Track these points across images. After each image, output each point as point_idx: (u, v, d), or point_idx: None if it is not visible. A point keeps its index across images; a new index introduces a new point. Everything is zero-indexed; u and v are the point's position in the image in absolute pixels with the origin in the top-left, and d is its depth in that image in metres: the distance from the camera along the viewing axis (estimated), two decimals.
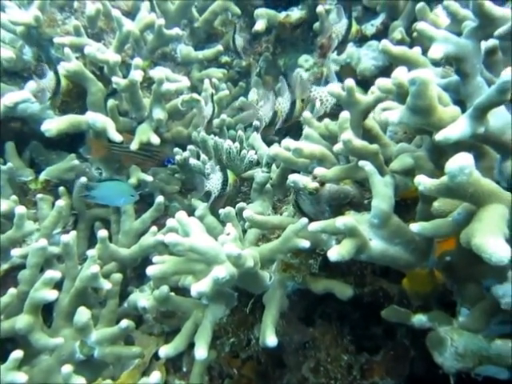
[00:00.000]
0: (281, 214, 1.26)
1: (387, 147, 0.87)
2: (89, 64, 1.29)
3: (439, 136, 0.50)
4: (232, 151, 1.21)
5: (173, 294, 0.96)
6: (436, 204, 0.58)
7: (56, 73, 1.16)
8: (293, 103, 1.06)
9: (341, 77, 0.92)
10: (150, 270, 0.84)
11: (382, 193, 0.64)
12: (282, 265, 0.88)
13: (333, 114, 0.92)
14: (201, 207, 1.09)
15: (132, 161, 1.31)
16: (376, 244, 0.63)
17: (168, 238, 0.81)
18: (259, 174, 1.23)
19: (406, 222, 0.83)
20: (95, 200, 1.19)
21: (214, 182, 1.08)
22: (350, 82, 0.77)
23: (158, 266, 0.85)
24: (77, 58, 1.25)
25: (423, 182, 0.49)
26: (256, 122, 1.38)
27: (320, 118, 0.95)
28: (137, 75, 1.18)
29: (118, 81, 1.17)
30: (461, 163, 0.44)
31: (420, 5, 0.79)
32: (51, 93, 1.17)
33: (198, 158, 1.26)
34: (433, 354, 0.68)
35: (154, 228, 1.18)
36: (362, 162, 0.68)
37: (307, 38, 1.60)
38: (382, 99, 0.75)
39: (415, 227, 0.55)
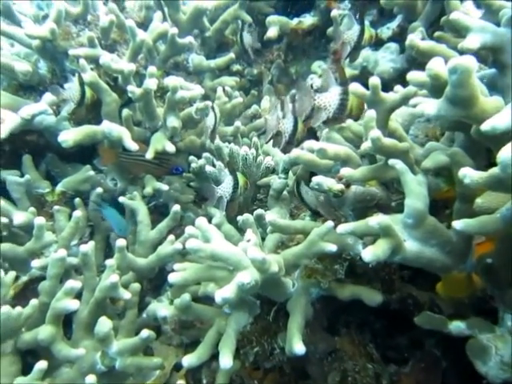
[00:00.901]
0: None
1: (412, 149, 0.82)
2: (103, 75, 1.27)
3: (486, 126, 0.46)
4: (248, 157, 1.18)
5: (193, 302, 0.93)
6: (479, 200, 0.53)
7: (82, 84, 1.14)
8: (295, 124, 1.03)
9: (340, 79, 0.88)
10: (172, 277, 0.80)
11: (416, 191, 0.60)
12: (307, 270, 0.83)
13: (335, 118, 0.87)
14: (217, 215, 1.06)
15: (140, 169, 1.28)
16: (411, 245, 0.59)
17: (189, 243, 0.78)
18: (276, 181, 1.19)
19: None
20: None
21: (224, 187, 1.05)
22: (374, 80, 0.74)
23: (180, 273, 0.81)
24: (91, 69, 1.23)
25: (470, 174, 0.45)
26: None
27: (324, 124, 0.91)
28: (151, 83, 1.15)
29: (133, 89, 1.15)
30: None
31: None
32: (76, 104, 1.15)
33: (214, 166, 1.24)
34: (475, 364, 0.63)
35: (171, 237, 1.14)
36: (392, 161, 0.63)
37: (319, 46, 1.58)
38: (410, 97, 0.71)
39: (458, 224, 0.50)
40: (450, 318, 0.77)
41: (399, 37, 1.22)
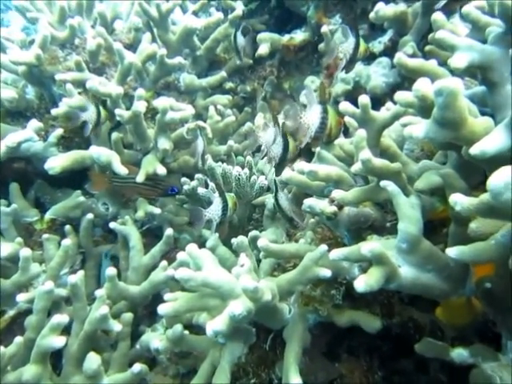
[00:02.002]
0: (296, 241, 1.21)
1: (406, 166, 0.82)
2: (91, 98, 1.28)
3: (474, 150, 0.45)
4: (241, 178, 1.17)
5: (187, 332, 0.91)
6: (474, 225, 0.52)
7: (96, 105, 1.18)
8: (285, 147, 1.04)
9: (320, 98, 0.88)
10: (162, 309, 0.79)
11: (409, 215, 0.59)
12: (303, 298, 0.82)
13: (316, 138, 0.86)
14: (212, 238, 1.05)
15: (134, 192, 1.27)
16: (406, 271, 0.58)
17: (179, 273, 0.76)
18: (271, 201, 1.19)
19: (433, 245, 0.77)
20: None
21: (213, 209, 1.04)
22: (364, 99, 0.73)
23: (170, 304, 0.79)
24: (79, 93, 1.24)
25: (460, 201, 0.44)
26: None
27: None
28: (140, 106, 1.16)
29: (121, 113, 1.15)
30: (506, 179, 0.39)
31: (436, 14, 0.75)
32: (93, 124, 1.17)
33: (207, 186, 1.23)
34: None
35: (163, 263, 1.13)
36: (383, 183, 0.63)
37: (312, 60, 1.58)
38: (400, 115, 0.71)
39: (452, 252, 0.49)
40: (452, 345, 0.76)
41: (391, 50, 1.22)
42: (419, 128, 0.51)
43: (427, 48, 1.01)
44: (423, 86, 0.52)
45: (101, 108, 1.19)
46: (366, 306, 0.83)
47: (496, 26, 0.59)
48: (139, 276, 1.20)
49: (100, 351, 1.08)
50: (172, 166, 1.42)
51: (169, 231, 1.20)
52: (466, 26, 0.69)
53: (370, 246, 0.52)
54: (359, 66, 1.25)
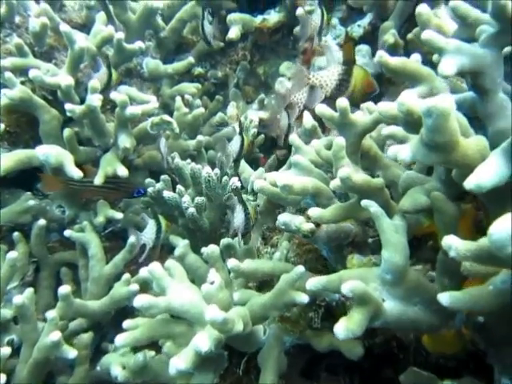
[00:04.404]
0: (272, 246, 1.17)
1: (389, 169, 0.78)
2: (38, 88, 1.18)
3: (469, 184, 0.41)
4: (212, 179, 1.11)
5: (154, 355, 0.86)
6: (468, 264, 0.49)
7: (108, 66, 1.17)
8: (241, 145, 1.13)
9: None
10: (120, 340, 0.73)
11: (394, 242, 0.55)
12: (279, 319, 0.78)
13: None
14: (181, 245, 0.99)
15: (94, 194, 1.20)
16: (391, 306, 0.54)
17: (138, 301, 0.71)
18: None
19: (418, 260, 0.74)
20: None
21: (147, 232, 1.03)
22: (343, 102, 0.68)
23: (129, 333, 0.74)
24: (23, 82, 1.14)
25: (455, 246, 0.40)
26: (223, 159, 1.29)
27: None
28: (95, 100, 1.07)
29: (72, 108, 1.06)
30: (509, 229, 0.35)
31: (421, 7, 0.70)
32: (103, 86, 1.15)
33: (174, 188, 1.17)
34: None
35: (126, 276, 1.07)
36: (365, 202, 0.58)
37: (287, 43, 1.52)
38: (382, 120, 0.67)
39: (444, 299, 0.45)
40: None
41: (371, 35, 1.17)
42: (406, 150, 0.47)
43: (409, 36, 0.97)
44: (408, 100, 0.47)
45: (113, 70, 1.18)
46: None
47: (487, 25, 0.55)
48: (100, 288, 1.15)
49: (58, 373, 1.04)
50: (136, 163, 1.35)
51: (132, 239, 1.14)
52: (453, 18, 0.64)
53: (351, 285, 0.48)
54: (338, 53, 1.19)
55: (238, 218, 0.92)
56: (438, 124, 0.42)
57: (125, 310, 1.14)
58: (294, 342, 0.83)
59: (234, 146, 1.13)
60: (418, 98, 0.50)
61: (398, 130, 0.56)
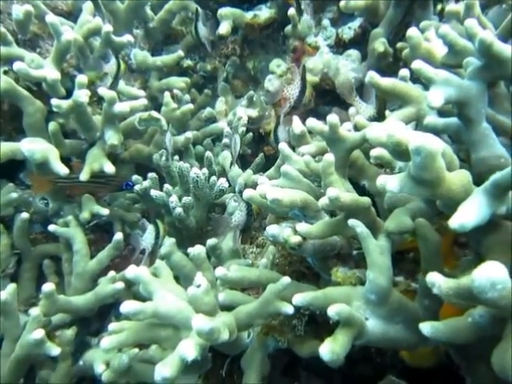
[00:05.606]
0: (257, 247, 1.19)
1: (375, 179, 0.80)
2: (22, 79, 1.16)
3: (453, 224, 0.43)
4: (200, 179, 1.12)
5: (139, 353, 0.87)
6: None
7: (117, 58, 1.19)
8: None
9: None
10: (105, 343, 0.75)
11: (379, 263, 0.57)
12: (263, 327, 0.80)
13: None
14: (167, 243, 1.00)
15: (82, 191, 1.19)
16: (374, 325, 0.57)
17: (125, 307, 0.73)
18: (232, 204, 1.15)
19: (400, 272, 0.77)
20: None
21: (147, 237, 1.05)
22: (333, 118, 0.70)
23: (114, 337, 0.75)
24: (6, 72, 1.12)
25: (438, 283, 0.42)
26: (226, 140, 1.30)
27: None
28: (82, 95, 1.06)
29: (58, 103, 1.05)
30: (492, 276, 0.37)
31: (411, 30, 0.71)
32: (112, 77, 1.18)
33: (161, 187, 1.17)
34: None
35: (111, 273, 1.08)
36: (352, 223, 0.60)
37: (278, 38, 1.51)
38: None
39: (426, 329, 0.48)
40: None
41: (362, 37, 1.18)
42: (393, 182, 0.49)
43: (399, 45, 0.98)
44: (397, 132, 0.49)
45: (121, 61, 1.21)
46: (329, 333, 0.82)
47: (473, 58, 0.57)
48: (84, 283, 1.15)
49: (40, 367, 1.04)
50: (123, 157, 1.34)
51: (118, 236, 1.15)
52: (442, 43, 0.65)
53: (337, 308, 0.51)
54: (327, 55, 1.20)
55: (239, 215, 0.95)
56: (425, 162, 0.44)
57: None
58: (277, 346, 0.85)
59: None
60: (406, 126, 0.52)
61: (385, 153, 0.58)
